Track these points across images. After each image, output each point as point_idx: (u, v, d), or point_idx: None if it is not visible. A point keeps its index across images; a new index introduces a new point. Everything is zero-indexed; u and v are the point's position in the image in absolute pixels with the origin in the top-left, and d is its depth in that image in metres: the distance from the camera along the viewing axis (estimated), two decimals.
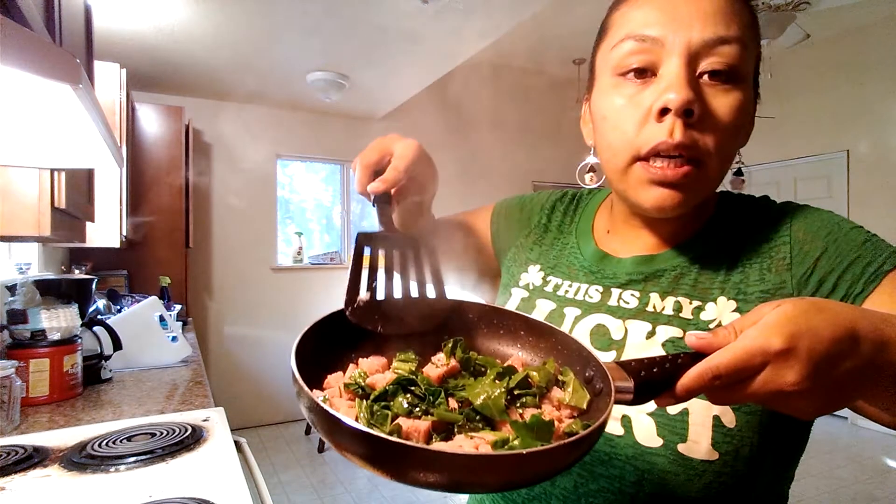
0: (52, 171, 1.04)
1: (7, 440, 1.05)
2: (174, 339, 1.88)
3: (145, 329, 1.81)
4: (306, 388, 0.34)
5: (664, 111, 0.46)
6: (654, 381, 0.35)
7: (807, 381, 0.31)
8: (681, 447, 0.45)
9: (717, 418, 0.44)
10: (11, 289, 1.45)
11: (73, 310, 1.44)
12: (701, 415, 0.45)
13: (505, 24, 2.79)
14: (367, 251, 0.46)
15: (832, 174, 4.09)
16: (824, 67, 4.08)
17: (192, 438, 1.02)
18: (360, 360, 0.43)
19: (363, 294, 0.44)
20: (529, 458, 0.29)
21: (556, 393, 0.39)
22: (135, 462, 0.92)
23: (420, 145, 0.54)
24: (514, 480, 0.32)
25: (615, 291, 0.55)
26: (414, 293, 0.47)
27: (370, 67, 3.42)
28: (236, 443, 1.03)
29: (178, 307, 2.82)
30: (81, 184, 1.36)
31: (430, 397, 0.37)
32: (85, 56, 1.28)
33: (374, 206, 0.51)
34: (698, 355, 0.34)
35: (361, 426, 0.31)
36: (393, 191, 0.51)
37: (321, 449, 3.45)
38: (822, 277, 0.47)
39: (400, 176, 0.51)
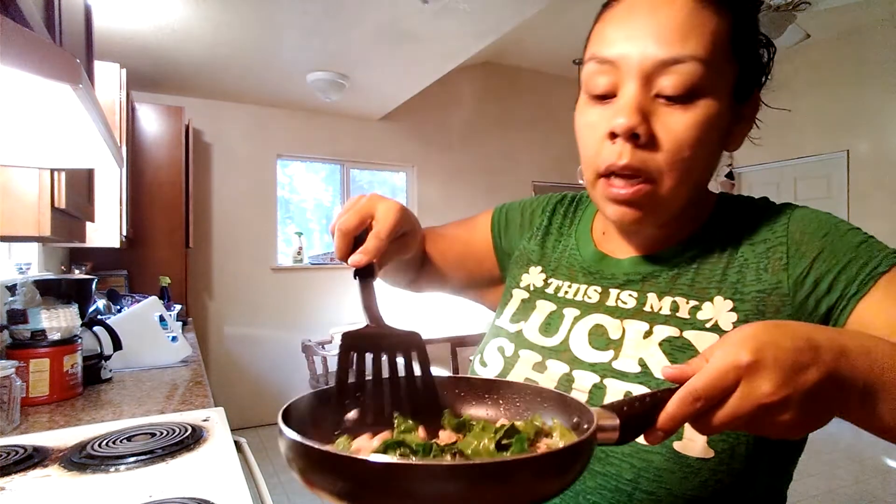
0: (52, 171, 1.04)
1: (7, 440, 1.05)
2: (174, 339, 1.88)
3: (145, 329, 1.81)
4: (282, 425, 0.33)
5: (613, 134, 0.48)
6: (638, 415, 0.35)
7: (782, 390, 0.32)
8: (676, 445, 0.45)
9: None
10: (11, 289, 1.45)
11: (73, 310, 1.44)
12: None
13: (505, 24, 2.79)
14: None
15: (832, 174, 4.09)
16: (824, 67, 4.08)
17: (192, 438, 1.02)
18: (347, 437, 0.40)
19: (351, 414, 0.41)
20: (479, 468, 0.28)
21: (545, 441, 0.38)
22: (135, 462, 0.92)
23: (402, 207, 0.53)
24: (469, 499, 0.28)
25: (613, 292, 0.56)
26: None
27: (370, 67, 3.42)
28: (236, 443, 1.03)
29: (178, 307, 2.82)
30: (81, 184, 1.36)
31: (422, 451, 0.36)
32: (85, 56, 1.28)
33: (355, 278, 0.48)
34: (678, 388, 0.35)
35: (325, 447, 0.30)
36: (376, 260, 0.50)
37: None
38: (817, 278, 0.47)
39: (382, 245, 0.49)
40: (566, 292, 0.59)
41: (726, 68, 0.48)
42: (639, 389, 0.47)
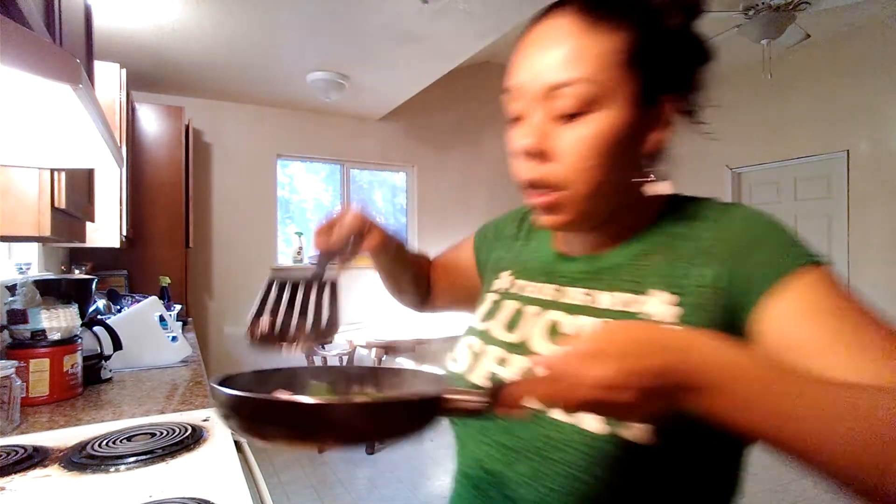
0: (52, 171, 1.04)
1: (7, 440, 1.06)
2: (174, 339, 1.88)
3: (145, 329, 1.81)
4: (212, 384, 0.42)
5: (519, 153, 0.55)
6: (501, 388, 0.40)
7: (617, 375, 0.36)
8: (624, 433, 0.47)
9: None
10: (11, 289, 1.45)
11: (73, 310, 1.44)
12: None
13: (505, 24, 2.79)
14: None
15: (832, 174, 4.09)
16: (824, 67, 4.08)
17: (192, 438, 1.02)
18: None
19: (264, 323, 0.56)
20: (316, 408, 0.37)
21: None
22: (135, 462, 0.92)
23: (359, 215, 0.68)
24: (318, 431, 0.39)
25: (567, 289, 0.60)
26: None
27: (370, 67, 3.42)
28: (236, 443, 1.03)
29: (178, 307, 2.82)
30: (81, 184, 1.36)
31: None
32: (85, 56, 1.28)
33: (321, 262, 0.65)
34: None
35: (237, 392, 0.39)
36: (339, 250, 0.66)
37: (321, 449, 3.45)
38: (737, 274, 0.50)
39: (340, 241, 0.66)
40: (529, 291, 0.64)
41: (624, 80, 0.52)
42: None
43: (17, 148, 0.88)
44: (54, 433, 1.11)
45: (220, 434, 1.07)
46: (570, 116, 0.52)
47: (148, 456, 0.93)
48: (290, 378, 0.54)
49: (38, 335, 1.34)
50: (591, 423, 0.48)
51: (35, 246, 2.14)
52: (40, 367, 1.33)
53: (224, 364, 3.94)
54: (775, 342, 0.47)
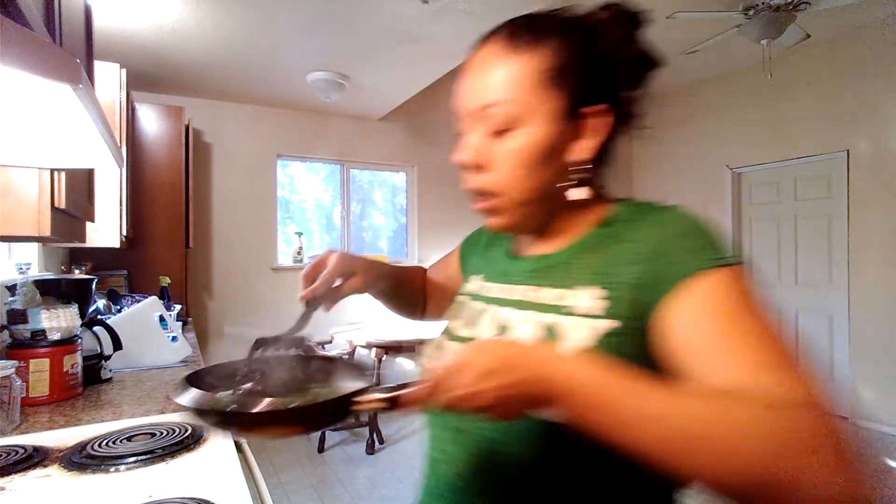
0: (52, 171, 1.04)
1: (7, 440, 1.06)
2: (174, 339, 1.88)
3: (145, 329, 1.81)
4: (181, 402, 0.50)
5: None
6: (403, 391, 0.48)
7: (476, 383, 0.43)
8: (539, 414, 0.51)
9: None
10: (11, 289, 1.45)
11: (73, 310, 1.44)
12: None
13: None
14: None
15: (832, 174, 4.09)
16: (824, 67, 4.08)
17: (192, 438, 1.02)
18: None
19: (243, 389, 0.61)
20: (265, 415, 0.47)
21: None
22: (135, 462, 0.92)
23: (343, 257, 0.72)
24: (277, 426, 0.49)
25: (518, 288, 0.65)
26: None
27: (370, 67, 3.42)
28: (236, 443, 1.03)
29: (178, 307, 2.82)
30: (81, 184, 1.36)
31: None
32: (85, 56, 1.28)
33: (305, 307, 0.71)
34: None
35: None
36: (325, 294, 0.71)
37: (321, 449, 3.45)
38: (654, 272, 0.53)
39: (324, 286, 0.70)
40: (491, 291, 0.69)
41: (546, 97, 0.57)
42: None
43: (17, 148, 0.88)
44: (54, 433, 1.11)
45: (220, 434, 1.07)
46: (501, 132, 0.58)
47: (148, 456, 0.93)
48: (256, 369, 0.64)
49: (38, 335, 1.34)
50: None
51: (35, 246, 2.14)
52: (40, 367, 1.33)
53: None
54: (672, 341, 0.50)
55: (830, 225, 4.11)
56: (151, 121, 3.31)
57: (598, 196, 0.64)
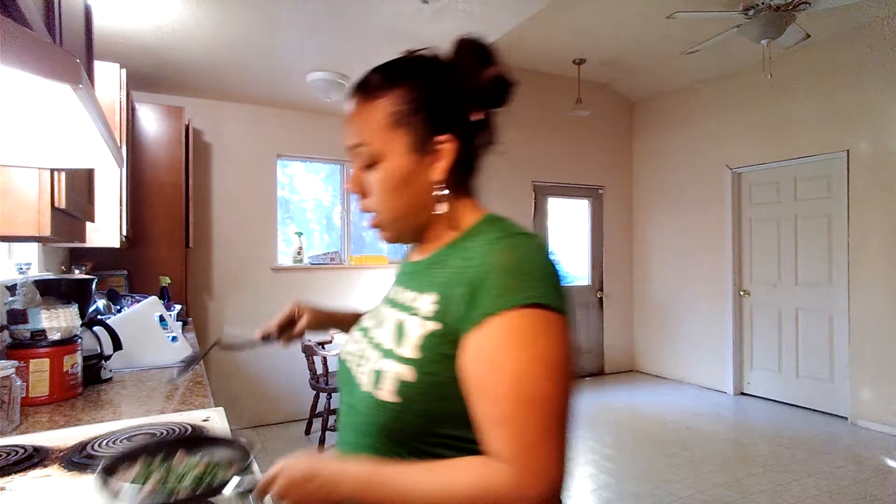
0: (52, 171, 1.04)
1: (7, 440, 1.06)
2: (174, 339, 1.88)
3: (145, 329, 1.81)
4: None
5: None
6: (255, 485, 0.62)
7: (286, 491, 0.60)
8: (377, 393, 0.65)
9: (399, 375, 0.64)
10: (11, 289, 1.45)
11: (73, 310, 1.44)
12: (389, 374, 0.65)
13: (505, 24, 2.79)
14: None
15: (832, 174, 4.09)
16: (824, 67, 4.08)
17: None
18: None
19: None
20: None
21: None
22: None
23: (315, 311, 0.98)
24: None
25: (397, 288, 0.76)
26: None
27: (370, 67, 3.42)
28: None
29: (178, 307, 2.82)
30: (81, 184, 1.36)
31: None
32: (85, 56, 1.28)
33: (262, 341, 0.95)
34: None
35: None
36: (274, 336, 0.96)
37: (321, 450, 3.45)
38: (469, 300, 0.61)
39: (272, 329, 0.96)
40: (388, 290, 0.81)
41: (395, 136, 0.69)
42: (375, 353, 0.69)
43: (17, 148, 0.88)
44: (54, 433, 1.11)
45: (220, 434, 1.06)
46: (369, 166, 0.70)
47: None
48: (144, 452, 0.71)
49: (38, 335, 1.34)
50: (367, 385, 0.67)
51: (35, 246, 2.14)
52: (40, 367, 1.33)
53: (223, 364, 3.94)
54: (462, 369, 0.60)
55: (830, 225, 4.12)
56: (151, 121, 3.31)
57: (473, 207, 0.73)
